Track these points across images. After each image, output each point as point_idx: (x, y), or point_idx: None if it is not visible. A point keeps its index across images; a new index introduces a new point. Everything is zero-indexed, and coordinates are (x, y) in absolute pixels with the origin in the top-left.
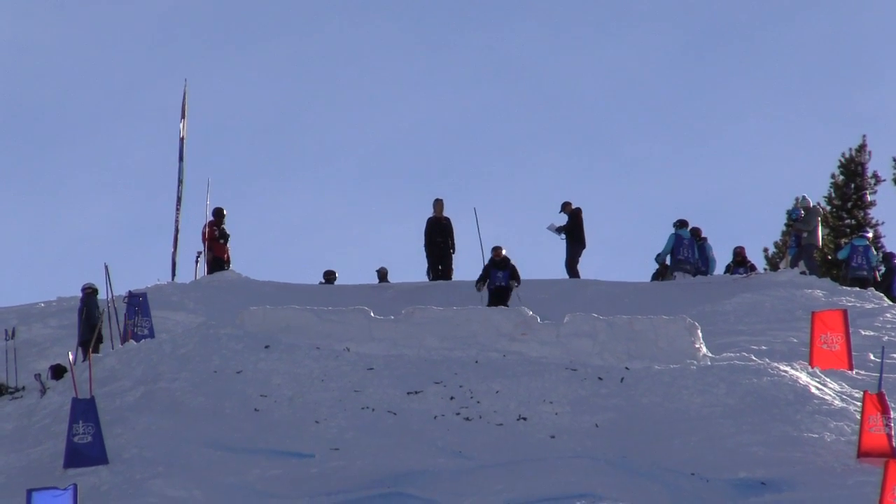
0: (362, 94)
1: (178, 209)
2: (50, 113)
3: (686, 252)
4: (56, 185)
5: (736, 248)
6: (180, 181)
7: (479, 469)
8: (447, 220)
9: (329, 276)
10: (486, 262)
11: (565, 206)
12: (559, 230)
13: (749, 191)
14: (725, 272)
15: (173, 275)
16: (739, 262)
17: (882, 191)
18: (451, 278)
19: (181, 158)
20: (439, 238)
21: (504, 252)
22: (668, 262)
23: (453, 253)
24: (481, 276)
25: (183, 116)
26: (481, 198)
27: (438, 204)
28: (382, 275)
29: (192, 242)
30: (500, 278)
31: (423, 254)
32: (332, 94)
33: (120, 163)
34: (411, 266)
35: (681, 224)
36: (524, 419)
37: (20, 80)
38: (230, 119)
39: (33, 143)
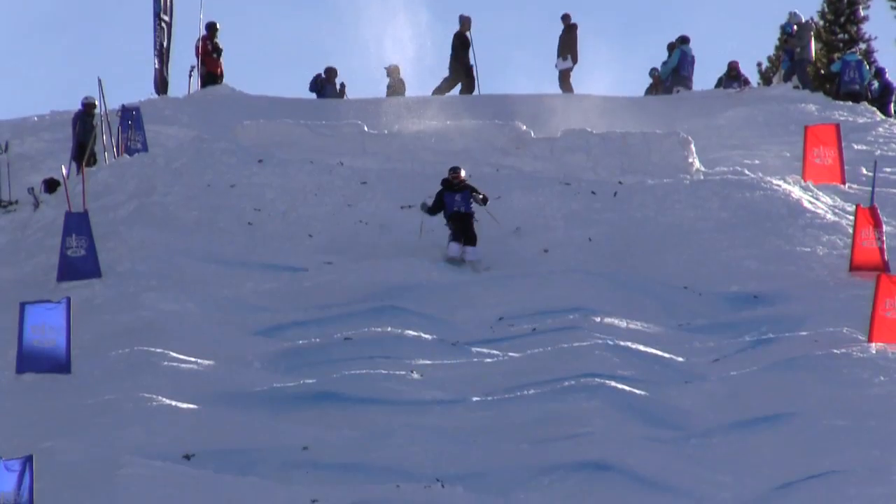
0: None
1: (158, 25)
2: None
3: (689, 68)
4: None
5: (730, 63)
6: None
7: (472, 283)
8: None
9: (329, 74)
10: (440, 189)
11: (564, 18)
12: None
13: (742, 6)
14: (718, 86)
15: (157, 90)
16: (733, 76)
17: (875, 6)
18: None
19: None
20: (462, 53)
21: (463, 174)
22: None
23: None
24: (434, 203)
25: None
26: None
27: (466, 21)
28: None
29: (186, 57)
30: (457, 202)
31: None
32: None
33: None
34: (420, 75)
35: (683, 40)
36: (518, 229)
37: None
38: None
39: None
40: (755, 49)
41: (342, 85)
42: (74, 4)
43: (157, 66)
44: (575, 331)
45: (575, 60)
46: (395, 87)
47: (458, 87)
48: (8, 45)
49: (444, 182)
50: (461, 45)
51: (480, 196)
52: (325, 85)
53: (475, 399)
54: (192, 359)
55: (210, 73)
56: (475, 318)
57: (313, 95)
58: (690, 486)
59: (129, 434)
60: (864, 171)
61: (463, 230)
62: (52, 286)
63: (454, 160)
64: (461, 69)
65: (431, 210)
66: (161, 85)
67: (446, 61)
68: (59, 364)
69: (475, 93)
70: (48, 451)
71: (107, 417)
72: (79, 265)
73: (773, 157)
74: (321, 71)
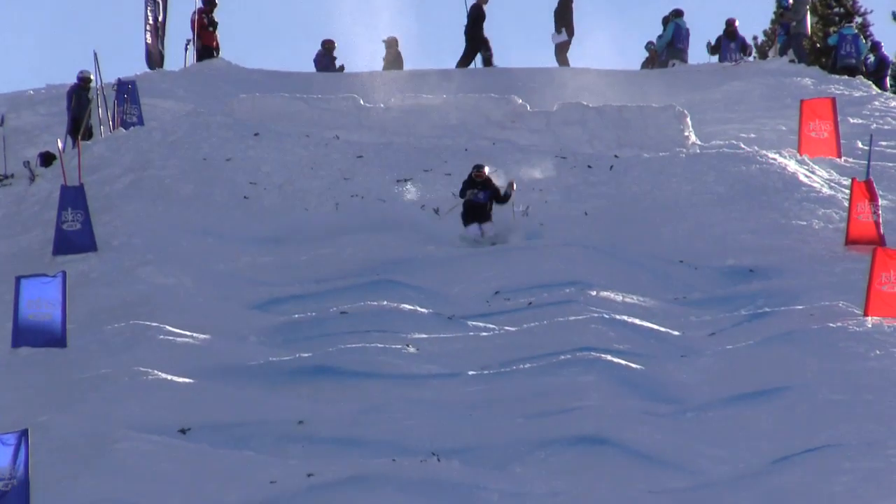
0: None
1: (152, 0)
2: None
3: (684, 41)
4: None
5: (728, 20)
6: None
7: (468, 257)
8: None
9: (328, 46)
10: (466, 179)
11: None
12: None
13: None
14: (716, 45)
15: (148, 65)
16: (731, 32)
17: None
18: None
19: None
20: (476, 26)
21: (487, 172)
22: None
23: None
24: (461, 192)
25: None
26: None
27: None
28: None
29: (181, 31)
30: (479, 197)
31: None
32: None
33: None
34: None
35: (677, 13)
36: (527, 211)
37: None
38: None
39: None
40: (751, 23)
41: (342, 66)
42: None
43: (149, 41)
44: (571, 305)
45: (571, 34)
46: (392, 60)
47: (478, 57)
48: (2, 19)
49: (469, 178)
50: (477, 17)
51: (502, 195)
52: (323, 58)
53: (471, 373)
54: (188, 333)
55: (206, 46)
56: (471, 292)
57: (311, 70)
58: (686, 460)
59: (124, 408)
60: (860, 144)
61: (477, 215)
62: (48, 260)
63: (450, 134)
64: (474, 41)
65: (462, 193)
66: (155, 59)
67: (432, 35)
68: (54, 338)
69: (470, 66)
70: (44, 426)
71: (102, 391)
72: (74, 239)
73: (769, 131)
74: (319, 45)
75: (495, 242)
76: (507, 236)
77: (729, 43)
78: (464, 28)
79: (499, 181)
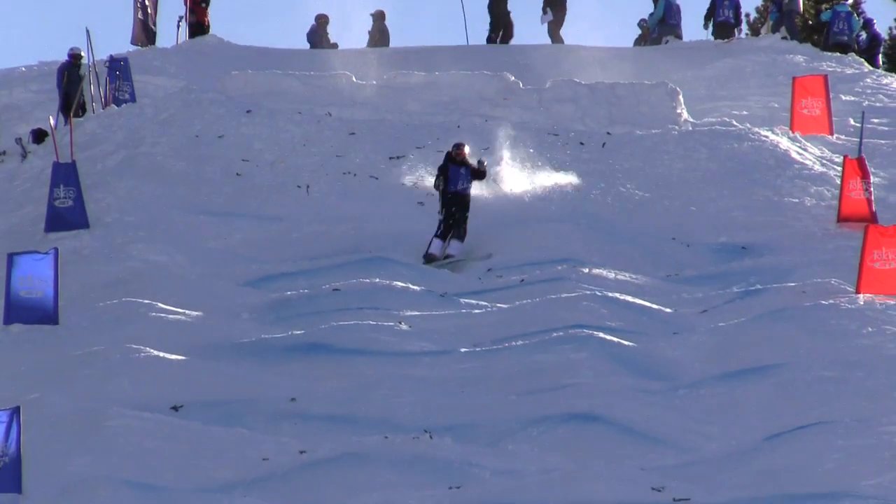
0: None
1: None
2: None
3: (676, 17)
4: None
5: None
6: None
7: None
8: None
9: (321, 20)
10: (443, 161)
11: None
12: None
13: None
14: (710, 9)
15: (133, 42)
16: None
17: None
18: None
19: None
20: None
21: (467, 150)
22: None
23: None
24: (438, 177)
25: None
26: None
27: None
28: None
29: (173, 6)
30: (462, 176)
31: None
32: None
33: None
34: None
35: None
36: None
37: None
38: None
39: None
40: (743, 0)
41: (335, 44)
42: None
43: (140, 16)
44: (563, 282)
45: (561, 12)
46: (378, 33)
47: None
48: None
49: (448, 156)
50: None
51: (480, 170)
52: (316, 33)
53: (463, 350)
54: (180, 310)
55: (199, 22)
56: (463, 268)
57: (303, 46)
58: (678, 437)
59: (116, 385)
60: (852, 122)
61: (455, 218)
62: (40, 237)
63: (443, 111)
64: (500, 18)
65: (437, 184)
66: (144, 36)
67: (418, 10)
68: (46, 315)
69: (466, 43)
70: (36, 403)
71: (94, 368)
72: (67, 216)
73: (762, 108)
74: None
75: (452, 258)
76: (469, 256)
77: (722, 1)
78: (487, 6)
79: (472, 161)
